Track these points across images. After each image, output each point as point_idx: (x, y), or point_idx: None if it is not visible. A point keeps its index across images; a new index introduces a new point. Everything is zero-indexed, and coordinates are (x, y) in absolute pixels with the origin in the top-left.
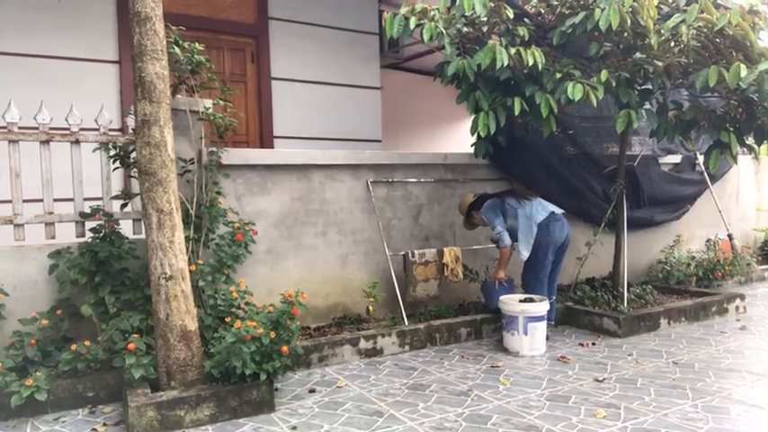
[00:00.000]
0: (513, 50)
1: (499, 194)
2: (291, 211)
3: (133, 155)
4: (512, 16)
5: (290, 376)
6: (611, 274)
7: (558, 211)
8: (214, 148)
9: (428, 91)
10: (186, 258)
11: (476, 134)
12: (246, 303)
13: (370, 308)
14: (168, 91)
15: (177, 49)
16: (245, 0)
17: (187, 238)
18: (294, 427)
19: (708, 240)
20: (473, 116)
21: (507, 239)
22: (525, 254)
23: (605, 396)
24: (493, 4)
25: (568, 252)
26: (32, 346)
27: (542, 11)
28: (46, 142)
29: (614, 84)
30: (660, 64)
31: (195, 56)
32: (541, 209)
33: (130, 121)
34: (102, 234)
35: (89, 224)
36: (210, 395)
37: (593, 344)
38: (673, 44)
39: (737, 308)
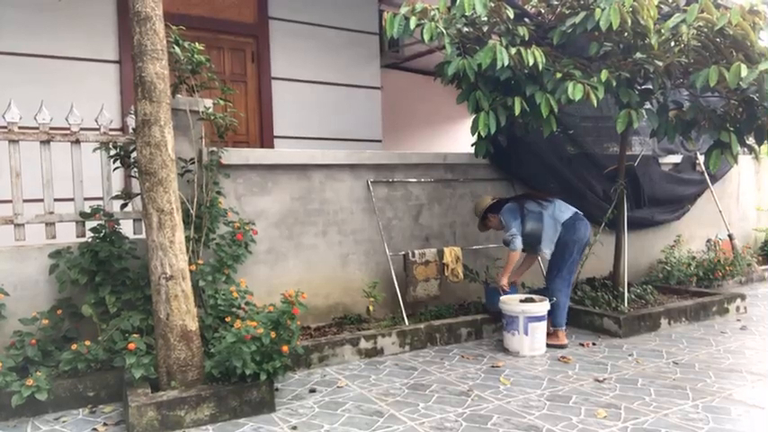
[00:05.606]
0: (513, 50)
1: (517, 199)
2: (292, 210)
3: (133, 155)
4: (512, 16)
5: (291, 376)
6: (611, 274)
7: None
8: (214, 148)
9: (428, 91)
10: (186, 258)
11: (476, 134)
12: (247, 303)
13: (371, 308)
14: (168, 91)
15: (177, 49)
16: (245, 0)
17: (187, 238)
18: (294, 427)
19: (708, 240)
20: (473, 116)
21: (519, 244)
22: (548, 252)
23: (606, 396)
24: (493, 4)
25: None
26: (33, 345)
27: (542, 11)
28: (46, 142)
29: (614, 84)
30: (660, 64)
31: (195, 56)
32: (565, 208)
33: (131, 121)
34: (102, 234)
35: (89, 224)
36: (211, 395)
37: (594, 344)
38: (673, 44)
39: (738, 308)
